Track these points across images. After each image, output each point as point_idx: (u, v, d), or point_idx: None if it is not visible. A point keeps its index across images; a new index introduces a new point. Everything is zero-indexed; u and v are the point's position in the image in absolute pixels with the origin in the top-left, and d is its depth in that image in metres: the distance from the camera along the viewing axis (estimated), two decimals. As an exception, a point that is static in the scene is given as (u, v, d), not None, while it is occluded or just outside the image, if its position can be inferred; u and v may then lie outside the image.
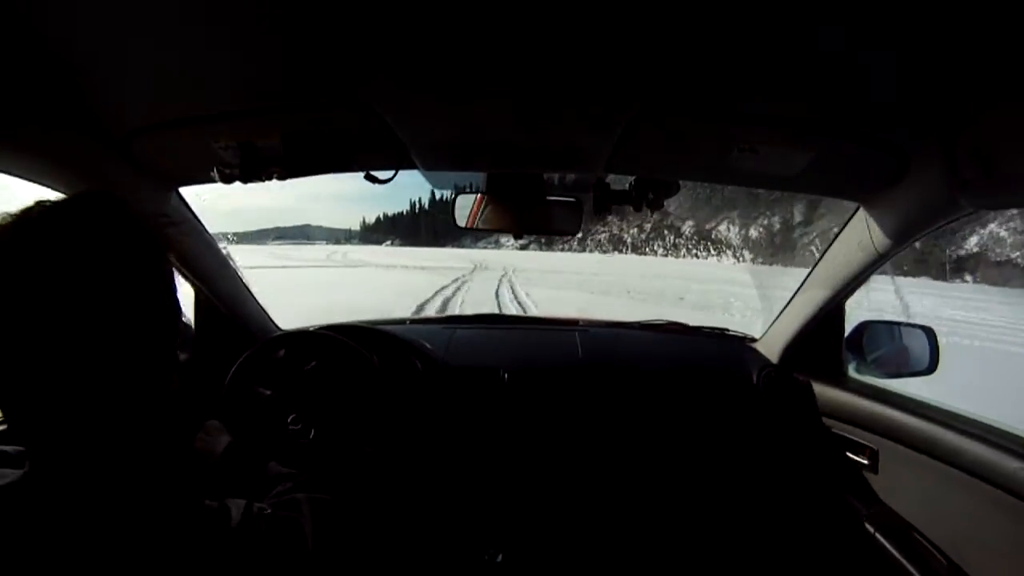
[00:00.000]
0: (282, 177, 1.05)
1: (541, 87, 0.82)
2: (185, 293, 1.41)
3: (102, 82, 0.79)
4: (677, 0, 0.60)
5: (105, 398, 0.50)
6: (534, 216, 1.27)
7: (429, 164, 1.15)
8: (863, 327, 1.38)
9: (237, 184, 1.05)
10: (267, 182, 1.06)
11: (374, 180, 1.13)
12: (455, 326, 1.78)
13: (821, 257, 1.34)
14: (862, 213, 1.15)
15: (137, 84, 0.81)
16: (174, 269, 0.60)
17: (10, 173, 0.84)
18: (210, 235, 1.33)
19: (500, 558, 1.42)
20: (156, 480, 0.53)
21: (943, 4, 0.58)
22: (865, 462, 1.27)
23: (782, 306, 1.54)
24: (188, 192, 1.22)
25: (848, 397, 1.33)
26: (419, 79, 0.81)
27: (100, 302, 0.48)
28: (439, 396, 1.46)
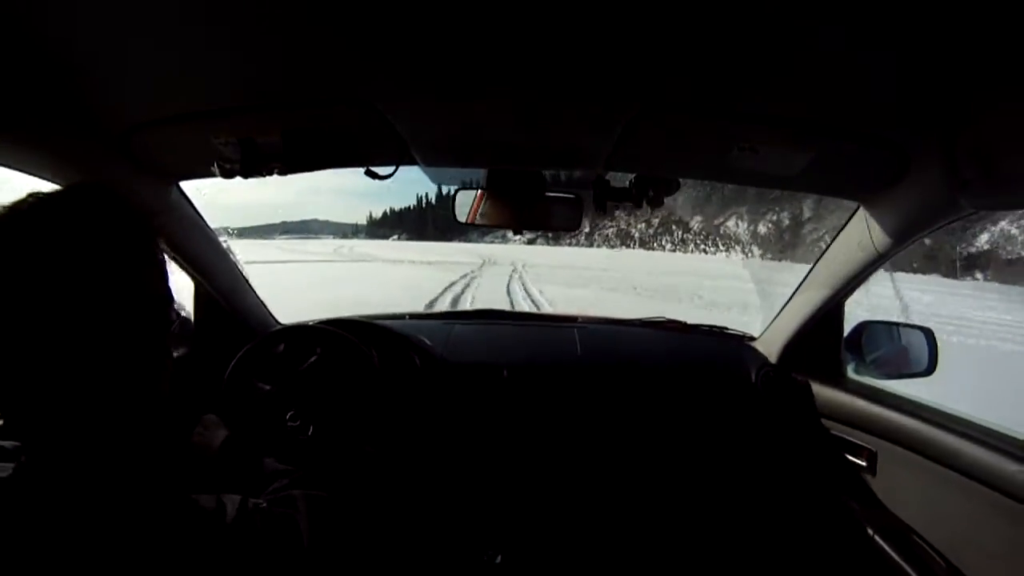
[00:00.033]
0: (283, 172, 1.05)
1: (541, 87, 0.82)
2: (185, 287, 1.43)
3: (102, 79, 0.80)
4: (677, 0, 0.60)
5: (96, 388, 0.50)
6: (534, 212, 1.28)
7: (429, 160, 1.15)
8: (862, 327, 1.37)
9: (238, 179, 1.06)
10: (268, 177, 1.07)
11: (374, 176, 1.13)
12: (454, 322, 1.79)
13: (821, 257, 1.33)
14: (862, 213, 1.14)
15: (137, 81, 0.82)
16: (169, 260, 0.60)
17: (11, 168, 0.85)
18: (211, 229, 1.34)
19: (499, 559, 1.42)
20: (149, 473, 0.53)
21: (943, 4, 0.57)
22: (863, 464, 1.26)
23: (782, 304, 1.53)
24: (188, 186, 1.23)
25: (847, 398, 1.33)
26: (420, 78, 0.81)
27: (91, 291, 0.49)
28: (438, 393, 1.47)
